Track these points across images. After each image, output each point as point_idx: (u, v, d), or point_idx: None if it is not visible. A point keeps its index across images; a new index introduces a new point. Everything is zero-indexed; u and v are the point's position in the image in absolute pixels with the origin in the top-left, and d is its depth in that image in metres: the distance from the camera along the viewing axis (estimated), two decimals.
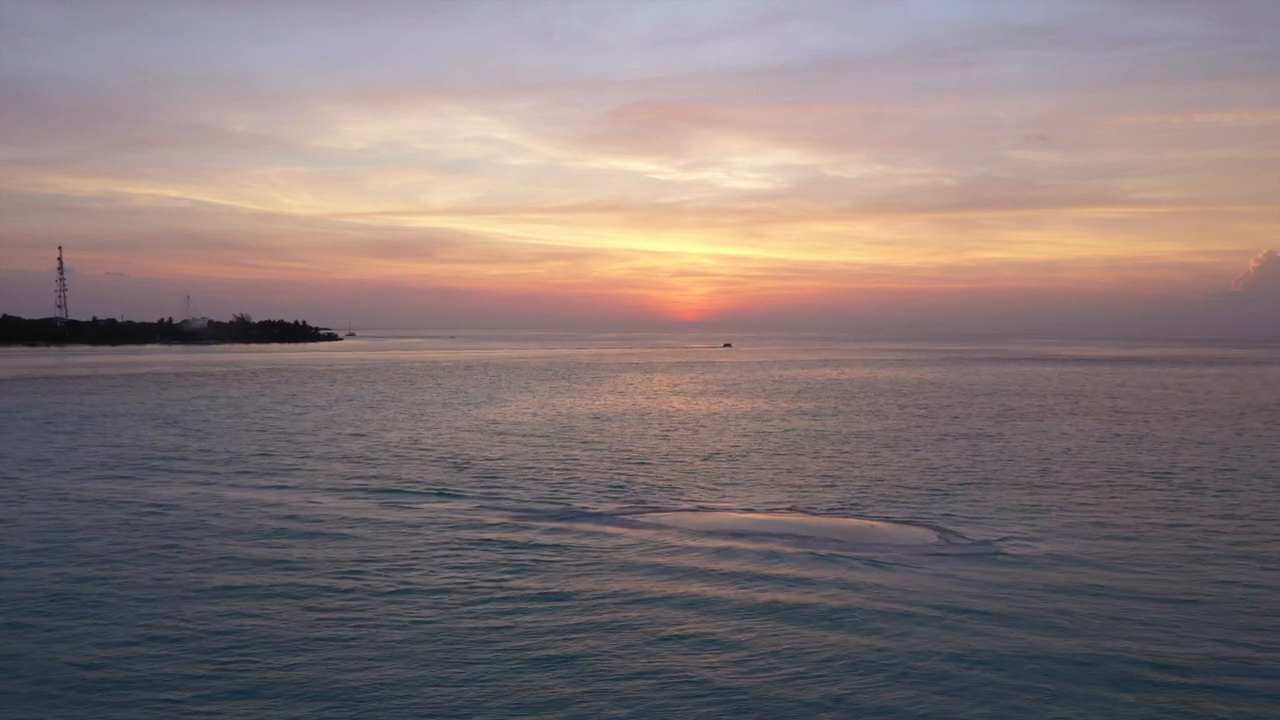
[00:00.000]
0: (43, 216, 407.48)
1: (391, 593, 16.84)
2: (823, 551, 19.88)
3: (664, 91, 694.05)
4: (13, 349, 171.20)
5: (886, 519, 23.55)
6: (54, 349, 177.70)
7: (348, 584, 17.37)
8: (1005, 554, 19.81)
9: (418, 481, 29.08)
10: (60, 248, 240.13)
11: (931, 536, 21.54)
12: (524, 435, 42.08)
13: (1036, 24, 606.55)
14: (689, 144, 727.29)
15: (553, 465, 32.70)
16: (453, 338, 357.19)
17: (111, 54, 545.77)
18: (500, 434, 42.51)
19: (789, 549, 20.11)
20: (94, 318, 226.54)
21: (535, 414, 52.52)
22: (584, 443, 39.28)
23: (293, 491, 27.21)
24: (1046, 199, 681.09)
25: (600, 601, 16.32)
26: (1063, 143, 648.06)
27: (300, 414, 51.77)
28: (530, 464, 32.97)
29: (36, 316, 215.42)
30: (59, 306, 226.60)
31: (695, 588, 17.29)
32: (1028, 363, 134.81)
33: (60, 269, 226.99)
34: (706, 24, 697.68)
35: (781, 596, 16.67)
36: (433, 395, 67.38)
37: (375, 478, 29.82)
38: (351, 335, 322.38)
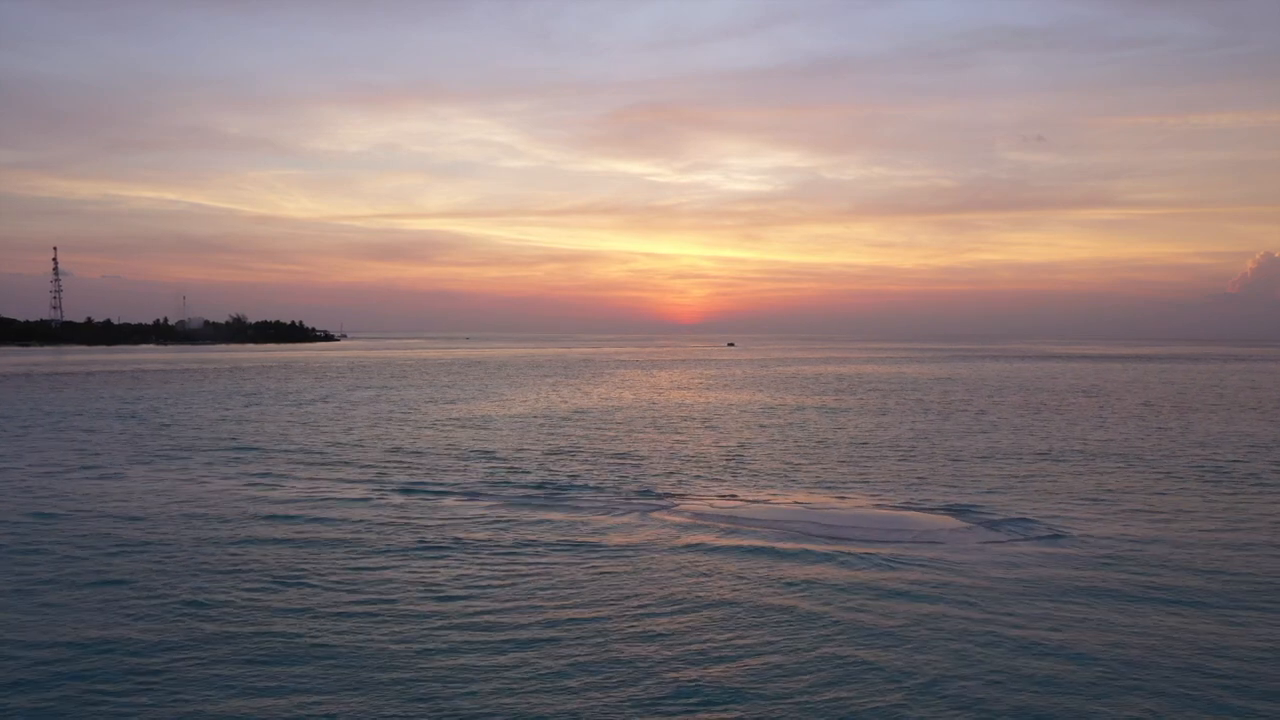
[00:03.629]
0: (40, 220, 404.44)
1: (368, 600, 14.29)
2: (865, 541, 17.37)
3: (661, 93, 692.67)
4: (3, 349, 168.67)
5: (929, 509, 20.99)
6: (48, 349, 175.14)
7: (324, 585, 14.83)
8: (1062, 542, 17.30)
9: (413, 475, 26.54)
10: (55, 248, 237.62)
11: (980, 527, 18.99)
12: (536, 430, 39.58)
13: (1032, 26, 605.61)
14: (686, 146, 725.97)
15: (566, 460, 30.18)
16: (468, 339, 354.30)
17: (108, 57, 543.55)
18: (513, 429, 40.00)
19: (828, 539, 17.60)
20: (88, 318, 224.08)
21: (546, 409, 50.00)
22: (599, 437, 36.77)
23: (256, 485, 24.64)
24: (1043, 201, 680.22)
25: (630, 601, 13.78)
26: (1059, 144, 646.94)
27: (283, 408, 49.24)
28: (543, 458, 30.46)
29: (33, 319, 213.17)
30: (54, 308, 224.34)
31: (734, 582, 14.75)
32: (1035, 360, 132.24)
33: (55, 270, 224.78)
34: (703, 26, 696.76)
35: (829, 589, 14.15)
36: (432, 391, 64.84)
37: (366, 472, 27.28)
38: (344, 337, 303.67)
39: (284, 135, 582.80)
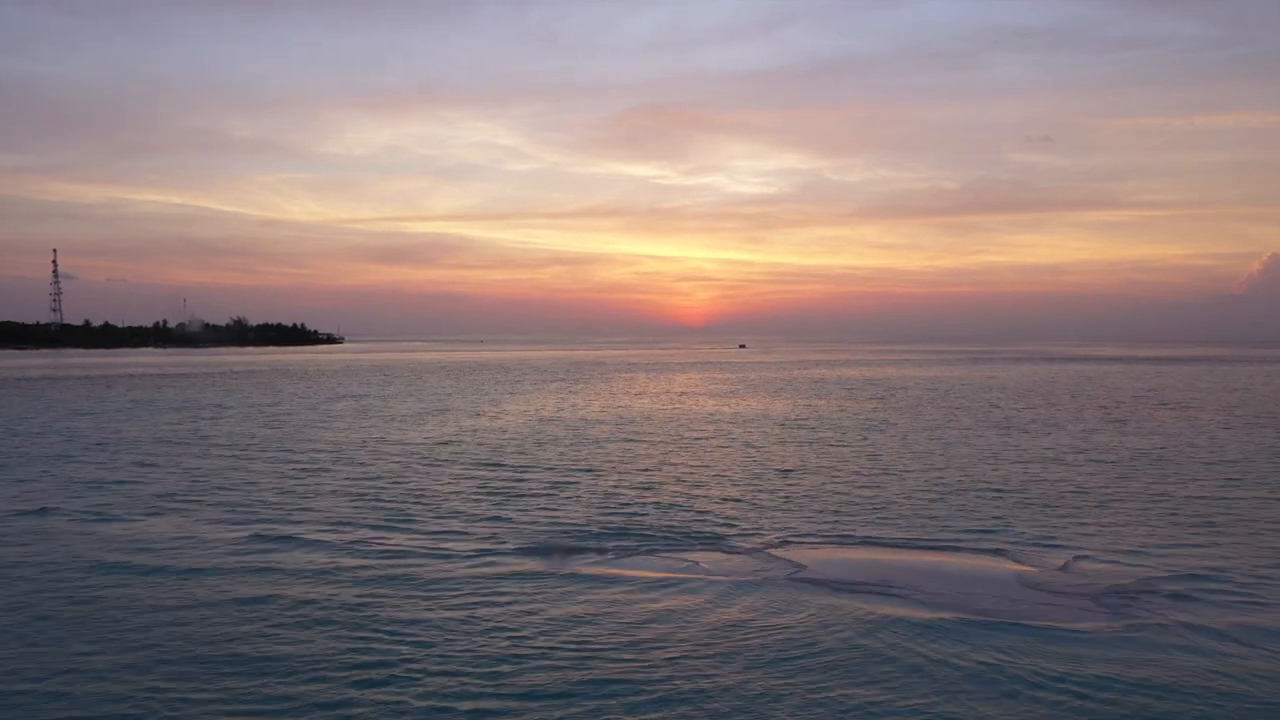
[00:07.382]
0: (46, 223, 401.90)
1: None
2: (1000, 612, 12.22)
3: (665, 96, 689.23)
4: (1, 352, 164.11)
5: (1072, 575, 15.81)
6: (45, 352, 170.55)
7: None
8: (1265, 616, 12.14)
9: (403, 509, 21.40)
10: (55, 250, 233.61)
11: (1154, 599, 13.80)
12: (548, 449, 34.45)
13: (1035, 27, 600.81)
14: (690, 148, 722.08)
15: (583, 489, 25.04)
16: (482, 341, 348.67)
17: (115, 61, 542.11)
18: (521, 445, 34.87)
19: (912, 591, 12.42)
20: (86, 321, 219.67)
21: (558, 422, 44.89)
22: (623, 460, 31.62)
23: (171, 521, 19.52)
24: (1047, 202, 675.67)
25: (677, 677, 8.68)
26: (1063, 146, 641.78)
27: (249, 421, 44.18)
28: (559, 486, 25.34)
29: (37, 322, 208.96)
30: (54, 310, 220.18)
31: (803, 656, 9.62)
32: (1062, 362, 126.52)
33: (55, 272, 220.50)
34: (707, 28, 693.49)
35: (925, 653, 9.04)
36: (433, 399, 59.74)
37: (353, 499, 22.15)
38: (341, 340, 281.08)
39: (290, 139, 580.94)
